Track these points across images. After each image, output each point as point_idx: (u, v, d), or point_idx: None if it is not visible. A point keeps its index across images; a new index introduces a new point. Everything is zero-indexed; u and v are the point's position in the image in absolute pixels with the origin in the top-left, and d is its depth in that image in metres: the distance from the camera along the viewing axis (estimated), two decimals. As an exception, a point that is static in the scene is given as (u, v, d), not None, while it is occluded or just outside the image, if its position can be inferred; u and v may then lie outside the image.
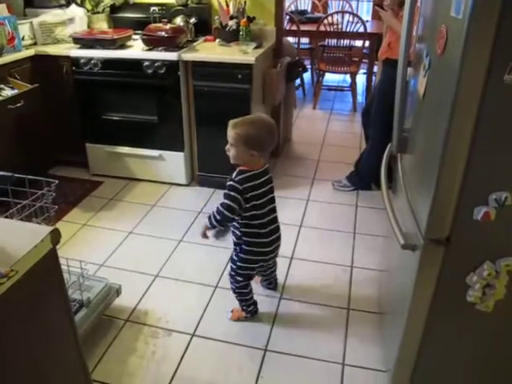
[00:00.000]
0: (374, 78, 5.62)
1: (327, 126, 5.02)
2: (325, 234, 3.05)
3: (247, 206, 1.99)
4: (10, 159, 3.09)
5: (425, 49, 1.65)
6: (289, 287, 2.54)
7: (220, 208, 2.01)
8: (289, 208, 3.31)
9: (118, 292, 2.28)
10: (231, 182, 1.97)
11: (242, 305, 2.29)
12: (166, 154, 3.50)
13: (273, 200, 2.12)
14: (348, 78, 6.05)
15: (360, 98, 5.76)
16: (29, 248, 1.06)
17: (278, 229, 2.18)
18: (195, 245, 2.89)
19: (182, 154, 3.48)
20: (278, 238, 2.19)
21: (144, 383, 1.99)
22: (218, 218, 2.02)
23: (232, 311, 2.33)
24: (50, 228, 1.13)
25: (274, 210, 2.13)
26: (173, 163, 3.53)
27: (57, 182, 1.74)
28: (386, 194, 1.87)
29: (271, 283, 2.51)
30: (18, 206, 1.70)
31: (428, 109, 1.57)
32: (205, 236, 2.18)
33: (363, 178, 3.54)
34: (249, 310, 2.30)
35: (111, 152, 3.61)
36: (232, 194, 1.96)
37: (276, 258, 2.33)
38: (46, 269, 1.14)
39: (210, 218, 2.07)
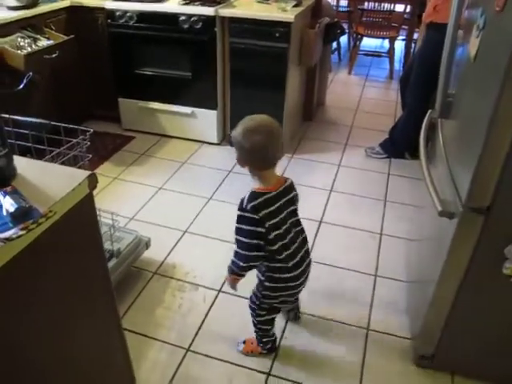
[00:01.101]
0: (413, 44, 5.42)
1: (362, 92, 4.90)
2: (355, 199, 3.02)
3: (270, 237, 1.56)
4: (44, 110, 3.12)
5: (480, 8, 1.56)
6: (316, 251, 2.53)
7: (238, 251, 1.60)
8: (320, 172, 3.28)
9: (147, 245, 2.31)
10: (242, 213, 1.54)
11: (263, 341, 1.93)
12: (199, 112, 3.48)
13: (298, 223, 1.70)
14: (386, 43, 5.87)
15: (397, 65, 5.60)
16: (67, 191, 1.06)
17: (307, 254, 1.75)
18: (225, 203, 2.89)
19: (214, 112, 3.45)
20: (309, 265, 1.75)
21: (170, 334, 2.03)
22: (241, 264, 1.61)
23: (244, 342, 1.97)
24: (88, 172, 1.12)
25: (301, 232, 1.71)
26: (205, 121, 3.50)
27: (92, 130, 1.74)
28: (425, 160, 1.82)
29: (291, 311, 2.11)
30: (53, 153, 1.70)
31: (479, 71, 1.50)
32: (234, 287, 1.80)
33: (397, 145, 3.47)
34: (267, 348, 1.95)
35: (144, 107, 3.60)
36: (247, 227, 1.54)
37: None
38: (83, 213, 1.15)
39: (229, 266, 1.70)
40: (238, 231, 1.57)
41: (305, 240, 1.74)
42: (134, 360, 1.63)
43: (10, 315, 1.00)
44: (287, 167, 3.35)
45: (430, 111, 2.10)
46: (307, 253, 1.75)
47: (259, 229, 1.53)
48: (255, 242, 1.55)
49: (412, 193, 3.02)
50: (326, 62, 4.39)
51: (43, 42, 3.14)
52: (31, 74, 1.84)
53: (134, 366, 1.65)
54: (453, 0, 1.65)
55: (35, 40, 3.12)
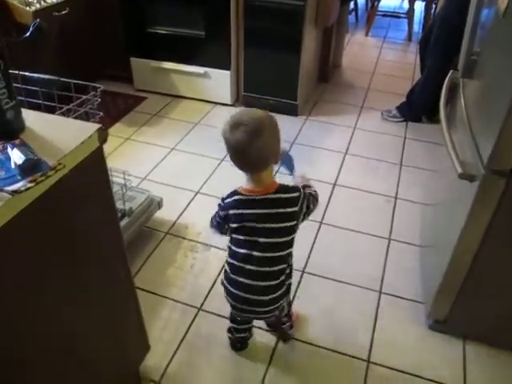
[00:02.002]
0: (434, 6, 5.23)
1: (379, 54, 4.77)
2: (370, 163, 2.96)
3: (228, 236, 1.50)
4: (54, 68, 3.01)
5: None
6: (330, 213, 2.51)
7: (214, 220, 1.54)
8: (335, 135, 3.23)
9: (159, 205, 2.30)
10: (220, 202, 1.47)
11: (228, 327, 1.81)
12: (212, 72, 3.40)
13: (270, 247, 1.43)
14: (405, 4, 5.68)
15: (416, 27, 5.43)
16: (76, 143, 1.03)
17: (260, 290, 1.47)
18: (237, 165, 2.86)
19: (228, 72, 3.37)
20: (253, 303, 1.50)
21: (182, 293, 2.03)
22: (211, 225, 1.57)
23: None
24: (97, 125, 1.09)
25: (266, 261, 1.44)
26: (218, 82, 3.43)
27: (102, 87, 1.70)
28: (445, 121, 1.76)
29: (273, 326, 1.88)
30: (63, 109, 1.67)
31: (508, 26, 1.42)
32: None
33: (414, 109, 3.38)
34: (228, 337, 1.82)
35: (156, 67, 3.53)
36: (217, 214, 1.49)
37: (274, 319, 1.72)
38: (93, 167, 1.12)
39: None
40: (216, 215, 1.51)
41: (265, 275, 1.46)
42: (146, 319, 1.62)
43: (18, 271, 0.99)
44: (302, 129, 3.29)
45: (451, 72, 2.03)
46: (262, 290, 1.47)
47: (222, 222, 1.47)
48: (217, 229, 1.54)
49: (428, 157, 2.96)
50: (343, 23, 4.25)
51: (52, -2, 3.06)
52: (38, 20, 1.79)
53: (146, 324, 1.65)
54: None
55: (44, -4, 3.04)
